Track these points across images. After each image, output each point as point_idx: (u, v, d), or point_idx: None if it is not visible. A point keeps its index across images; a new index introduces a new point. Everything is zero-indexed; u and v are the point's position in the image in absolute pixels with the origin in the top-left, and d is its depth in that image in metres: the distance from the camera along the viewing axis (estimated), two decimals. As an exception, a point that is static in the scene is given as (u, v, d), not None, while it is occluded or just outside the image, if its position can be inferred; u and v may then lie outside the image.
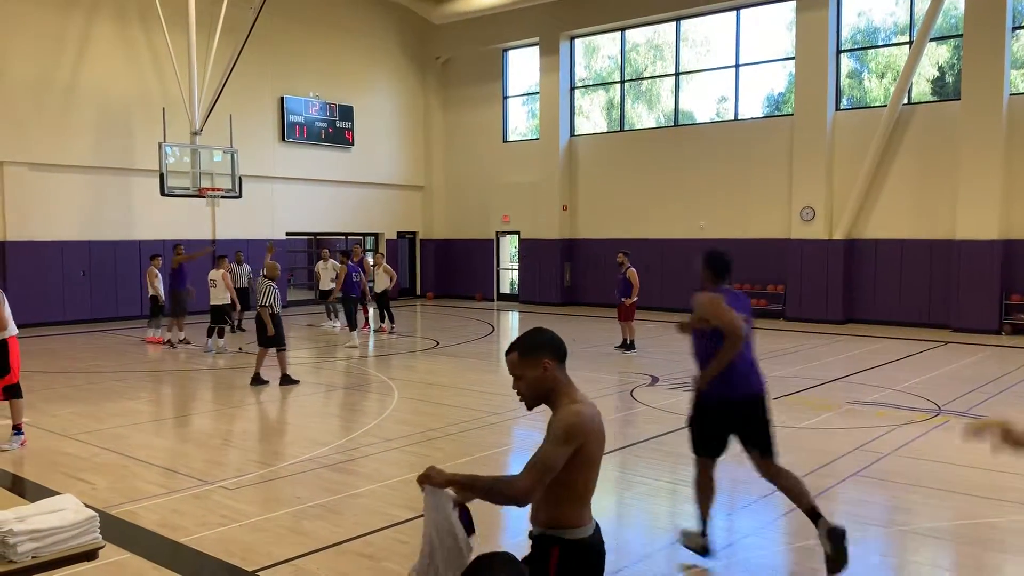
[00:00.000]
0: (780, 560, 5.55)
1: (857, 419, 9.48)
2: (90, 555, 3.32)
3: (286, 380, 11.66)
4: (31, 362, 14.06)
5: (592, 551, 3.01)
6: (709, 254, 5.43)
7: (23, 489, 6.83)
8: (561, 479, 2.88)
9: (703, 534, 5.35)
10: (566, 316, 21.80)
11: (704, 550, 5.30)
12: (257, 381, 11.68)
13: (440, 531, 2.97)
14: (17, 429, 8.23)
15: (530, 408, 3.07)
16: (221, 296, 15.24)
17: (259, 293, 11.77)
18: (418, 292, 27.90)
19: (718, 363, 5.12)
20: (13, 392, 8.13)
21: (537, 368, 2.97)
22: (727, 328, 5.04)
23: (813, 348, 15.65)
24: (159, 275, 16.17)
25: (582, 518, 2.97)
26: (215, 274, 15.43)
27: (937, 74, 19.65)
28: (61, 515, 3.27)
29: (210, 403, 11.12)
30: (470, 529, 3.06)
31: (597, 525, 3.10)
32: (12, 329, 8.27)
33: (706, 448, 5.40)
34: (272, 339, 11.62)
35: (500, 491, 2.90)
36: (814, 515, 5.10)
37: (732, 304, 5.17)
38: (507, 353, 3.06)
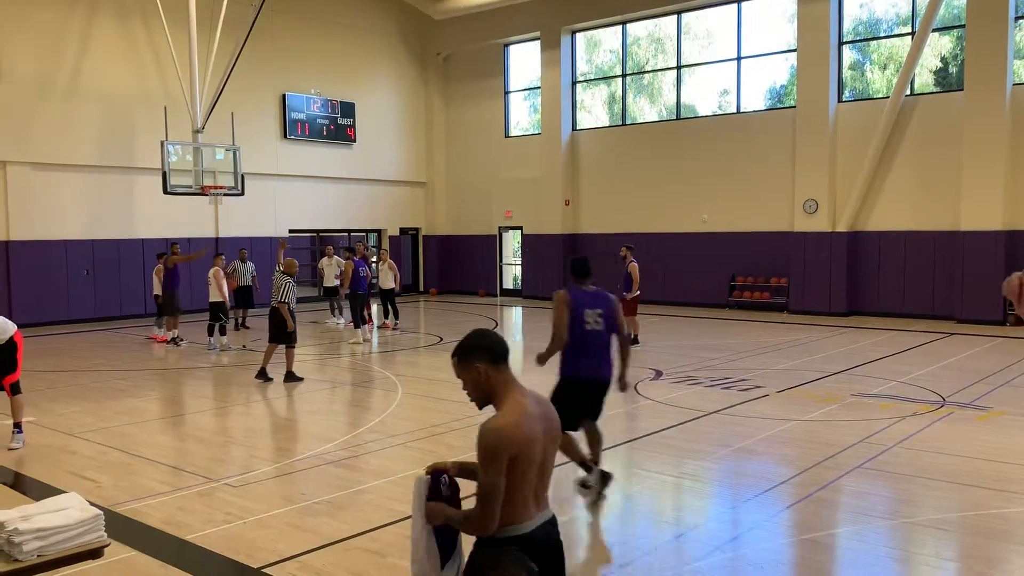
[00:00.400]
0: (785, 553, 5.54)
1: (861, 411, 9.47)
2: (95, 553, 3.33)
3: (290, 377, 11.67)
4: (36, 361, 14.09)
5: (534, 546, 2.99)
6: (572, 259, 6.73)
7: (28, 488, 6.84)
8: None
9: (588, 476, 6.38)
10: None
11: (587, 483, 6.36)
12: (263, 376, 11.69)
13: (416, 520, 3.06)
14: (19, 427, 8.25)
15: (480, 408, 3.09)
16: (216, 293, 15.27)
17: (276, 289, 11.73)
18: (421, 288, 27.91)
19: (544, 356, 6.43)
20: (17, 388, 8.14)
21: (472, 372, 2.98)
22: (553, 328, 6.27)
23: (816, 341, 15.63)
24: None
25: (514, 517, 2.95)
26: (212, 272, 15.49)
27: (940, 65, 19.58)
28: (66, 514, 3.28)
29: (214, 400, 11.14)
30: (450, 545, 3.11)
31: (552, 519, 3.09)
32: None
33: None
34: (288, 335, 11.63)
35: (469, 530, 3.00)
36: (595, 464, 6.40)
37: (588, 302, 6.31)
38: (451, 357, 3.09)
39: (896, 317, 18.85)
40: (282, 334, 11.65)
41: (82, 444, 8.40)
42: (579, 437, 6.52)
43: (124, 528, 5.79)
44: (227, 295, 15.76)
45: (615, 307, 6.42)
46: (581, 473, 6.47)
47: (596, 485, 6.33)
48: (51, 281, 18.98)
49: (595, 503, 6.30)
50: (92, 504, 3.49)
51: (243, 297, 18.05)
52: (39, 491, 6.59)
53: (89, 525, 3.29)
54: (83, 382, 12.09)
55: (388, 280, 17.89)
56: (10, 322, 8.04)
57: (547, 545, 3.04)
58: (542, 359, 6.44)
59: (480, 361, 2.97)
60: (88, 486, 6.85)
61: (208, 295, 15.43)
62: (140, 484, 7.01)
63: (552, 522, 3.11)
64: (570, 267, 6.72)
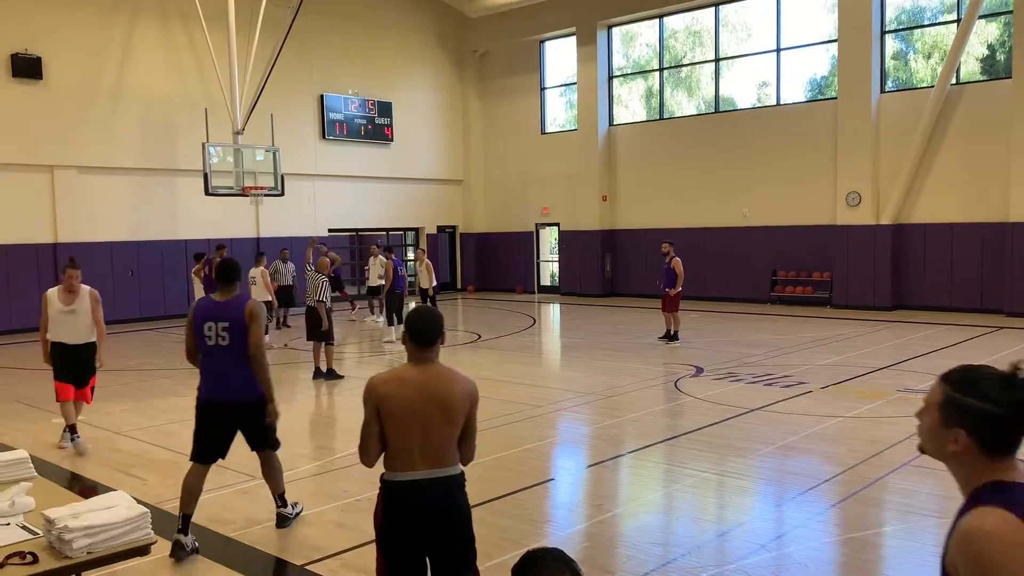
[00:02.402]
0: (830, 552, 5.45)
1: (908, 407, 9.27)
2: (142, 550, 3.38)
3: (331, 375, 11.78)
4: (84, 361, 14.38)
5: (400, 495, 3.44)
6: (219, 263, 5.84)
7: (77, 486, 6.98)
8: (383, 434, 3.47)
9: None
10: (608, 307, 21.69)
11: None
12: (320, 375, 11.82)
13: None
14: (74, 429, 8.40)
15: None
16: (261, 293, 15.44)
17: (312, 288, 11.88)
18: (459, 286, 27.98)
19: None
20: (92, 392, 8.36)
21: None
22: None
23: (861, 336, 15.36)
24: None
25: (394, 466, 3.47)
26: (255, 272, 15.64)
27: (986, 52, 19.11)
28: (114, 511, 3.32)
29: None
30: None
31: (430, 481, 3.44)
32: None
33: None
34: (324, 333, 11.74)
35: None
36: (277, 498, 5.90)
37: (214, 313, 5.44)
38: None
39: (943, 311, 18.45)
40: (318, 332, 11.77)
41: (129, 442, 8.55)
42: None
43: (170, 525, 5.86)
44: (272, 295, 15.99)
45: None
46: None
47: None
48: (97, 282, 19.09)
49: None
50: (139, 502, 3.54)
51: (284, 297, 18.25)
52: (88, 489, 6.72)
53: (137, 523, 3.34)
54: (129, 381, 12.32)
55: (424, 279, 17.93)
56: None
57: (429, 499, 3.43)
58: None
59: (405, 333, 3.57)
60: (135, 484, 6.96)
61: (251, 295, 15.62)
62: (185, 482, 7.10)
63: (441, 483, 3.46)
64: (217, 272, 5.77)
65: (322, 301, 11.70)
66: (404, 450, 3.45)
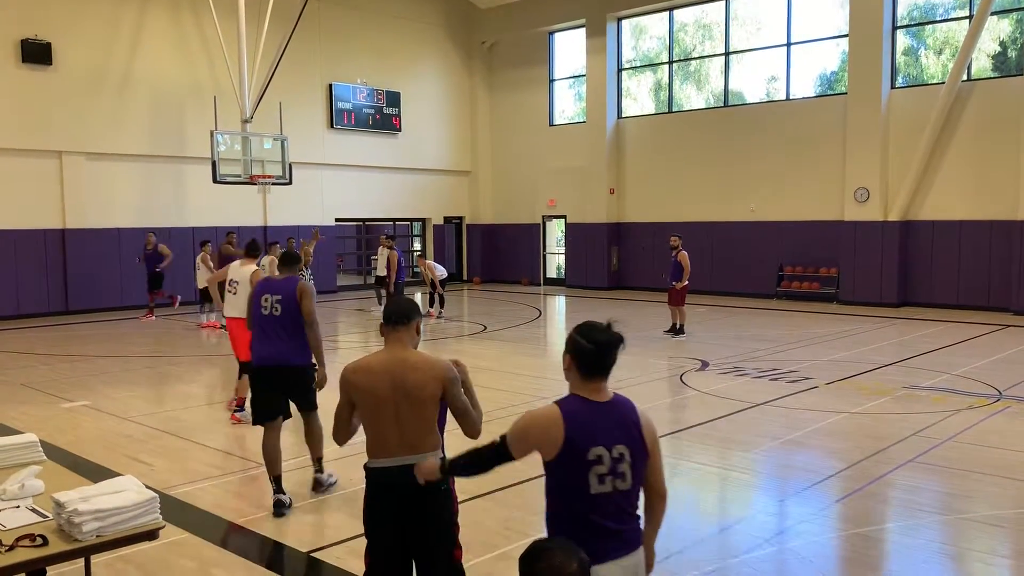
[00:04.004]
0: (834, 547, 5.46)
1: (914, 404, 9.28)
2: (151, 535, 3.40)
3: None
4: (91, 346, 14.47)
5: (376, 480, 3.56)
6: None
7: (86, 470, 7.02)
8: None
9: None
10: (614, 300, 21.69)
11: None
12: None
13: None
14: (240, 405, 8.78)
15: None
16: None
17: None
18: (465, 277, 28.00)
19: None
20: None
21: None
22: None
23: (867, 332, 15.34)
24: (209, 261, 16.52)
25: (373, 452, 3.58)
26: (264, 260, 15.63)
27: (998, 49, 19.00)
28: (123, 496, 3.35)
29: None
30: None
31: (404, 468, 3.45)
32: (228, 311, 8.79)
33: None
34: None
35: None
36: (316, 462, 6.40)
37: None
38: None
39: (950, 308, 18.41)
40: None
41: (136, 428, 8.60)
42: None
43: (177, 510, 5.92)
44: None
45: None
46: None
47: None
48: (105, 268, 19.44)
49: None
50: (147, 487, 3.57)
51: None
52: (96, 473, 6.76)
53: (145, 507, 3.37)
54: (136, 367, 12.38)
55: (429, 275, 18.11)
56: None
57: (407, 484, 3.43)
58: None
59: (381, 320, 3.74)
60: (143, 469, 7.01)
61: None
62: (192, 468, 7.16)
63: (405, 471, 3.46)
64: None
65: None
66: (381, 437, 3.56)
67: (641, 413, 2.90)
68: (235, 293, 8.61)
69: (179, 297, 18.59)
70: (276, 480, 6.01)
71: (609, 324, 2.86)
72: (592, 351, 2.80)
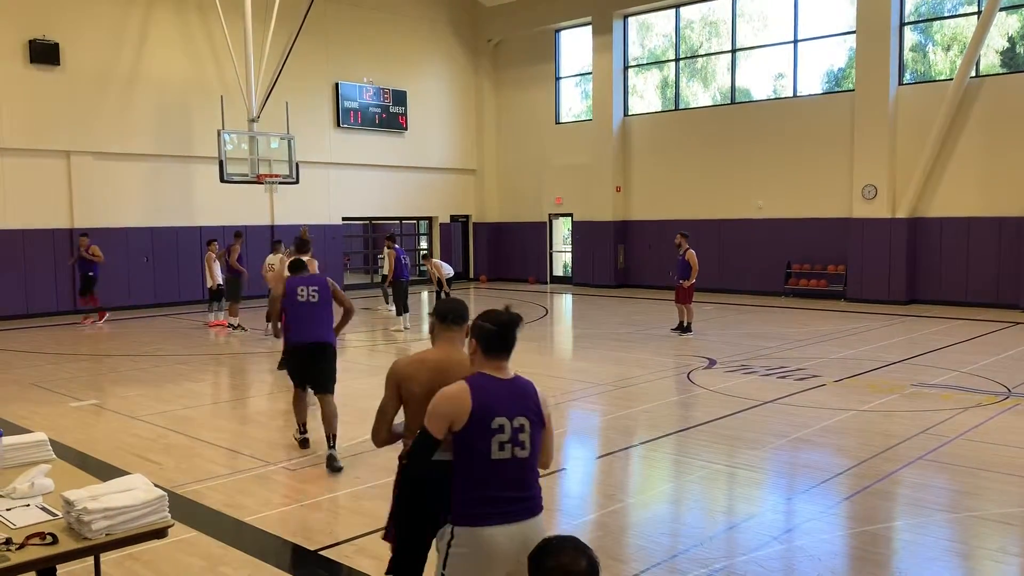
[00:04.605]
0: (843, 545, 5.45)
1: (922, 402, 9.25)
2: (160, 533, 3.41)
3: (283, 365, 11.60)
4: (99, 345, 14.53)
5: (414, 473, 3.56)
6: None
7: (95, 469, 7.05)
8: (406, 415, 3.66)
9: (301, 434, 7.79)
10: (621, 298, 21.67)
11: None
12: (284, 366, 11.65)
13: None
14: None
15: None
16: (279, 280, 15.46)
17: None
18: (471, 275, 28.01)
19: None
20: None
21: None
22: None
23: (875, 329, 15.29)
24: (216, 261, 16.60)
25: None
26: (272, 259, 15.68)
27: (1007, 45, 18.91)
28: (132, 494, 3.36)
29: (271, 385, 11.32)
30: None
31: (442, 463, 3.30)
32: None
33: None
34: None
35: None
36: (330, 439, 7.20)
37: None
38: None
39: (958, 306, 18.34)
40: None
41: (145, 427, 8.63)
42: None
43: (186, 509, 5.93)
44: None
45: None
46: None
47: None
48: (113, 267, 19.47)
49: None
50: (156, 486, 3.58)
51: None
52: (105, 472, 6.78)
53: (154, 506, 3.37)
54: (144, 366, 12.42)
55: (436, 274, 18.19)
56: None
57: (441, 480, 3.37)
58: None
59: (434, 318, 3.77)
60: (151, 468, 7.03)
61: (267, 283, 15.66)
62: (200, 466, 7.18)
63: (442, 465, 3.49)
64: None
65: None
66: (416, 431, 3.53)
67: (539, 391, 3.25)
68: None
69: (107, 315, 17.43)
70: (303, 425, 7.76)
71: (507, 308, 3.27)
72: (494, 332, 3.18)
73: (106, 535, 3.21)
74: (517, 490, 3.12)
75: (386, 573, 3.78)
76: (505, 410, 3.10)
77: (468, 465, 3.11)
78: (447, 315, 3.70)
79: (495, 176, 27.83)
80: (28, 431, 5.35)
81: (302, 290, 7.42)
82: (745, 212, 21.85)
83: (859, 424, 8.41)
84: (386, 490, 6.48)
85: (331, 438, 7.14)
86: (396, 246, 16.93)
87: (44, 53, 18.14)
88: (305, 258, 9.29)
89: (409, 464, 3.22)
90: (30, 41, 17.99)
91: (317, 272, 9.32)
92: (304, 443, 7.66)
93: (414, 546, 3.66)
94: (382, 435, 3.70)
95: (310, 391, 7.55)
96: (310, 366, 7.35)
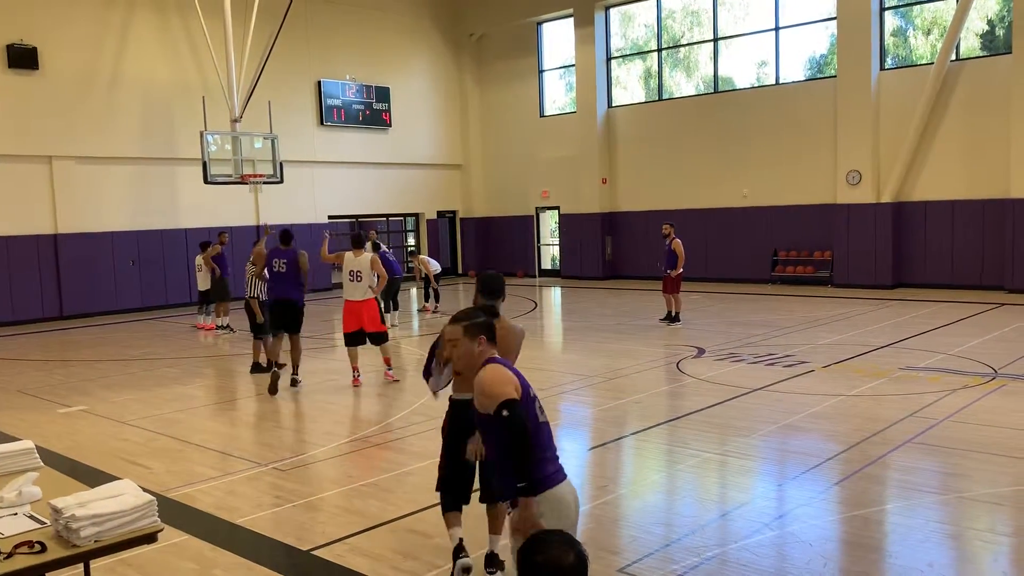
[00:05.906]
0: (834, 530, 5.48)
1: (910, 385, 9.31)
2: (150, 538, 3.39)
3: (256, 368, 11.62)
4: (86, 350, 14.44)
5: (457, 408, 4.86)
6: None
7: (83, 475, 7.01)
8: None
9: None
10: (609, 290, 21.70)
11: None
12: (256, 369, 11.63)
13: None
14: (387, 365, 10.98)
15: None
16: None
17: (247, 282, 11.78)
18: (459, 271, 27.98)
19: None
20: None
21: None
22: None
23: (862, 314, 15.37)
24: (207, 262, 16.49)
25: (458, 388, 4.84)
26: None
27: (986, 27, 19.01)
28: (121, 500, 3.34)
29: (260, 386, 11.28)
30: None
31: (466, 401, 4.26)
32: (351, 294, 10.47)
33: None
34: (258, 327, 11.58)
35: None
36: (295, 367, 10.54)
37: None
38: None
39: (944, 288, 18.46)
40: (253, 325, 11.68)
41: (133, 431, 8.58)
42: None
43: (176, 513, 5.91)
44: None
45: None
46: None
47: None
48: (98, 272, 19.39)
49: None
50: (145, 490, 3.56)
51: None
52: (93, 478, 6.75)
53: (143, 511, 3.36)
54: (133, 370, 12.35)
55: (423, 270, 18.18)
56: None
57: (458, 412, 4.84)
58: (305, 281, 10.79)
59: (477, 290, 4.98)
60: (141, 472, 7.00)
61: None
62: (190, 470, 7.15)
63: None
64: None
65: (255, 296, 11.56)
66: (468, 378, 4.01)
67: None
68: (359, 280, 10.34)
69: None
70: (279, 365, 10.56)
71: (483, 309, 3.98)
72: (492, 325, 3.70)
73: (95, 542, 3.20)
74: (556, 450, 3.60)
75: (436, 490, 5.00)
76: (526, 383, 3.56)
77: (532, 433, 3.45)
78: (491, 288, 4.85)
79: (481, 171, 27.79)
80: (15, 439, 5.31)
81: (275, 262, 10.46)
82: (731, 200, 21.90)
83: (848, 409, 8.46)
84: (376, 490, 6.54)
85: (296, 367, 10.43)
86: (382, 249, 16.38)
87: (22, 58, 17.97)
88: (351, 253, 10.65)
89: (512, 415, 3.47)
90: (8, 46, 17.82)
91: (368, 264, 10.51)
92: (275, 376, 10.07)
93: (457, 465, 4.80)
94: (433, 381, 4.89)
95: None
96: (280, 315, 10.44)
